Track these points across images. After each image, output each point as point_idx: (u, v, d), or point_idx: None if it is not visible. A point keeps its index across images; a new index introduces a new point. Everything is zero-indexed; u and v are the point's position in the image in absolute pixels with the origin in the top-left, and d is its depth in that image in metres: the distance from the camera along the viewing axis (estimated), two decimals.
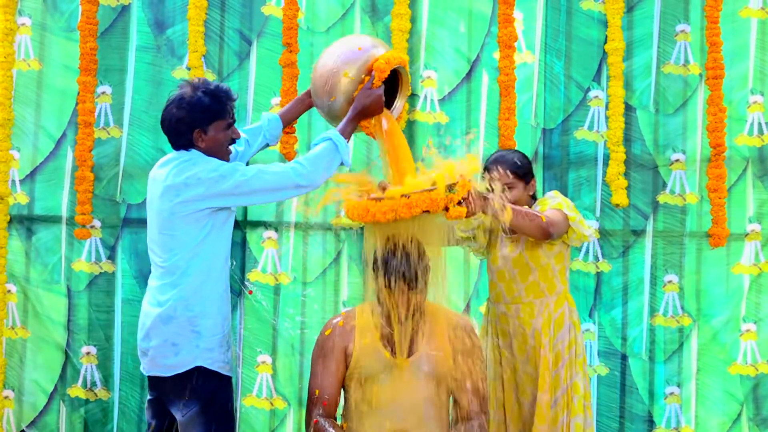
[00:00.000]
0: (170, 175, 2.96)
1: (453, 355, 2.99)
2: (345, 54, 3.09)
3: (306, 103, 3.45)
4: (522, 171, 3.36)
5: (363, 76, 3.03)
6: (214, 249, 3.01)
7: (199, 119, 2.97)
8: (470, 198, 2.94)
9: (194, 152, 3.00)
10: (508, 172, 3.33)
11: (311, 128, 3.96)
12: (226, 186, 2.94)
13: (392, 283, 2.94)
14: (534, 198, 3.46)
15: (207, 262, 2.98)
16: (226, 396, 3.07)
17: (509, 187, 3.29)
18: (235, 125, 3.13)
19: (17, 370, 3.95)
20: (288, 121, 3.46)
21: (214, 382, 3.01)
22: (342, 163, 3.04)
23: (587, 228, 3.32)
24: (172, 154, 3.04)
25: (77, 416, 3.96)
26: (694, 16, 3.99)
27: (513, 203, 3.17)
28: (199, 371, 2.97)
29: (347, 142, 3.07)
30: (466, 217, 2.98)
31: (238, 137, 3.16)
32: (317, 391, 2.97)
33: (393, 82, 3.19)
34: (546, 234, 3.18)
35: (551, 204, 3.29)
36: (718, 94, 3.90)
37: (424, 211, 2.88)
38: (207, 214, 2.96)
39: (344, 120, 3.08)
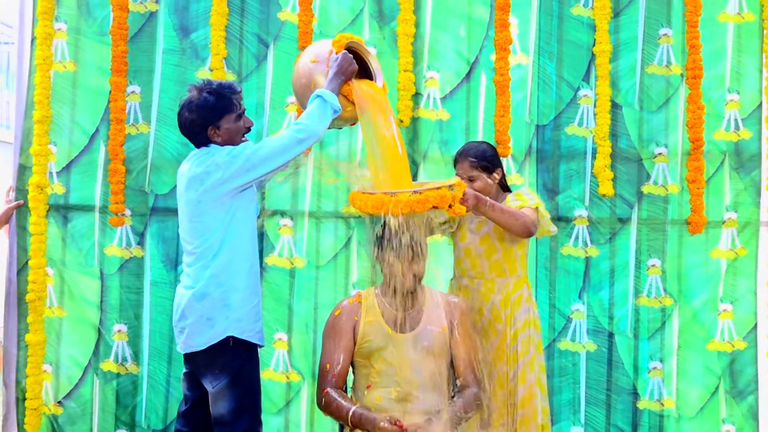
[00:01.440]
0: (192, 168, 3.08)
1: (450, 332, 3.10)
2: (306, 54, 3.23)
3: None
4: (483, 163, 3.39)
5: (327, 55, 3.13)
6: (241, 228, 3.10)
7: (210, 117, 3.08)
8: (465, 197, 3.08)
9: (213, 146, 3.11)
10: (470, 166, 3.38)
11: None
12: (240, 163, 3.02)
13: (397, 253, 3.01)
14: (505, 188, 3.48)
15: (234, 241, 3.07)
16: (253, 368, 3.16)
17: (472, 180, 3.36)
18: (251, 120, 3.16)
19: (55, 346, 4.00)
20: None
21: (243, 353, 3.10)
22: (334, 111, 3.06)
23: (551, 225, 3.42)
24: (195, 150, 3.14)
25: (109, 388, 4.01)
26: (675, 21, 3.99)
27: (479, 192, 3.21)
28: (230, 341, 3.07)
29: (334, 95, 3.06)
30: (465, 214, 3.10)
31: (251, 125, 3.20)
32: (328, 366, 3.09)
33: (364, 68, 3.27)
34: (529, 233, 3.28)
35: (529, 203, 3.34)
36: (698, 93, 3.92)
37: (433, 207, 2.96)
38: (231, 197, 3.05)
39: (326, 80, 3.10)
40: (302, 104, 3.19)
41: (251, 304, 3.16)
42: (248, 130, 3.21)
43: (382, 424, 2.90)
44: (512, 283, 3.41)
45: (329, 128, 3.25)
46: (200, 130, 3.12)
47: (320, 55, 3.17)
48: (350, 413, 2.98)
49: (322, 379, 3.10)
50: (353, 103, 3.15)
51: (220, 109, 3.11)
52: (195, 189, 3.07)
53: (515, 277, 3.41)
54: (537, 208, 3.34)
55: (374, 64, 3.31)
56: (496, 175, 3.44)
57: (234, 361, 3.10)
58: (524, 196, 3.40)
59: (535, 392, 3.35)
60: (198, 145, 3.15)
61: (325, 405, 3.06)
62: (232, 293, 3.10)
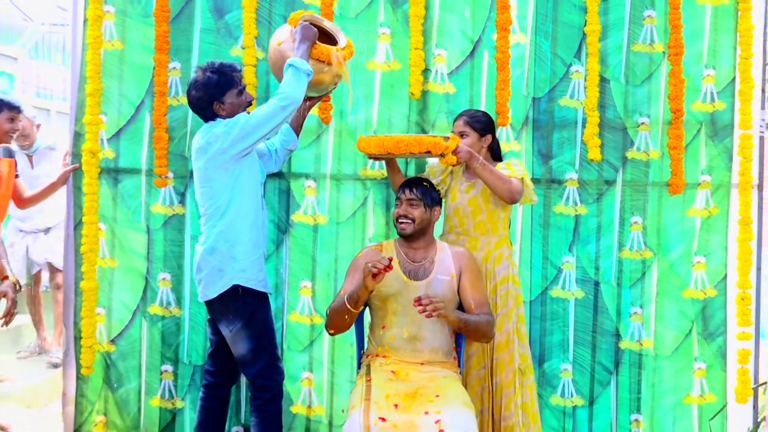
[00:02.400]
0: (198, 140, 3.28)
1: (459, 278, 3.25)
2: (272, 41, 3.38)
3: (302, 109, 3.62)
4: (477, 124, 3.51)
5: (288, 35, 3.28)
6: (244, 190, 3.27)
7: (214, 93, 3.22)
8: (459, 149, 3.25)
9: (218, 120, 3.28)
10: (464, 123, 3.52)
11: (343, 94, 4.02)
12: (235, 132, 3.19)
13: (413, 192, 3.17)
14: (496, 157, 3.61)
15: (238, 201, 3.25)
16: (264, 312, 3.36)
17: (463, 135, 3.48)
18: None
19: (107, 292, 4.15)
20: (296, 127, 3.69)
21: (252, 301, 3.27)
22: (308, 74, 3.19)
23: (534, 195, 3.53)
24: (203, 125, 3.32)
25: (156, 329, 4.15)
26: (658, 3, 4.07)
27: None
28: (238, 289, 3.24)
29: (304, 60, 3.20)
30: (456, 164, 3.29)
31: (252, 98, 3.36)
32: (342, 291, 3.23)
33: (327, 38, 3.41)
34: (513, 200, 3.41)
35: (517, 173, 3.42)
36: (679, 69, 4.01)
37: (426, 151, 3.14)
38: (234, 162, 3.22)
39: (294, 52, 3.23)
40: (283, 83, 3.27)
41: (254, 256, 3.31)
42: (249, 103, 3.36)
43: (369, 265, 2.96)
44: (494, 241, 3.53)
45: (321, 95, 3.40)
46: (206, 106, 3.30)
47: (282, 36, 3.32)
48: (345, 298, 3.09)
49: (334, 299, 3.22)
50: (328, 64, 3.27)
51: (223, 85, 3.29)
52: (201, 158, 3.27)
53: (497, 237, 3.54)
54: (523, 179, 3.45)
55: (331, 27, 3.40)
56: (487, 140, 3.55)
57: (245, 308, 3.28)
58: (513, 166, 3.52)
59: (513, 339, 3.48)
60: (206, 120, 3.32)
61: (329, 313, 3.17)
62: (237, 246, 3.26)
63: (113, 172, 4.17)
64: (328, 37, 3.42)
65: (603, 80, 4.08)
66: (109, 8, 4.14)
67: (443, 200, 3.57)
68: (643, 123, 4.11)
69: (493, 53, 4.08)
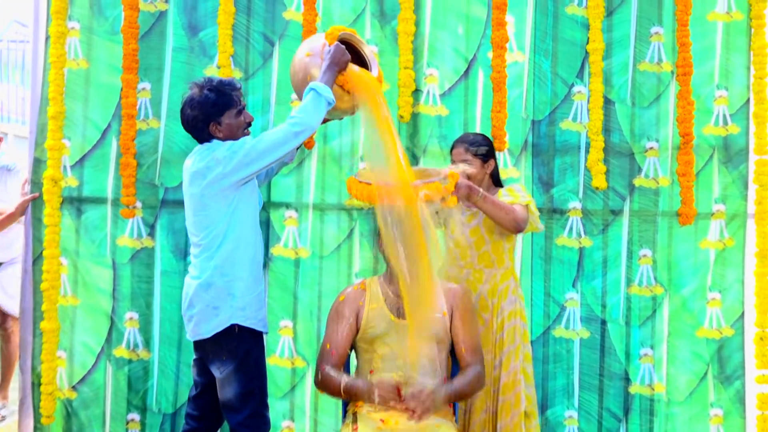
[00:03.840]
0: (195, 163, 3.10)
1: (451, 317, 3.10)
2: (302, 48, 3.22)
3: None
4: (478, 151, 3.43)
5: (321, 48, 3.12)
6: (243, 220, 3.11)
7: (211, 113, 3.11)
8: (458, 187, 3.09)
9: (215, 141, 3.13)
10: (465, 150, 3.43)
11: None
12: (239, 158, 3.02)
13: (396, 242, 2.94)
14: (496, 182, 3.52)
15: (237, 233, 3.09)
16: (258, 354, 3.19)
17: (465, 163, 3.39)
18: (257, 118, 3.13)
19: (69, 333, 3.99)
20: None
21: (248, 339, 3.12)
22: (328, 103, 3.05)
23: (539, 222, 3.45)
24: (198, 146, 3.16)
25: (121, 374, 4.01)
26: (666, 20, 4.00)
27: (468, 178, 3.25)
28: (235, 328, 3.09)
29: (328, 87, 3.04)
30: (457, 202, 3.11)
31: (251, 119, 3.20)
32: (328, 345, 3.09)
33: (361, 61, 3.26)
34: (518, 229, 3.29)
35: (521, 200, 3.34)
36: (688, 89, 3.93)
37: (425, 199, 2.92)
38: (233, 190, 3.06)
39: (320, 73, 3.09)
40: (300, 98, 3.17)
41: (254, 292, 3.17)
42: (249, 125, 3.22)
43: (376, 395, 2.95)
44: (500, 274, 3.43)
45: (330, 120, 3.26)
46: (202, 126, 3.14)
47: (314, 49, 3.16)
48: (342, 385, 2.99)
49: (321, 358, 3.10)
50: (349, 93, 3.14)
51: (221, 105, 3.13)
52: (198, 184, 3.09)
53: (503, 269, 3.44)
54: (527, 205, 3.35)
55: (368, 54, 3.30)
56: (489, 166, 3.47)
57: (240, 348, 3.13)
58: (516, 192, 3.41)
59: (519, 380, 3.36)
60: (201, 141, 3.17)
61: (321, 381, 3.07)
62: (235, 282, 3.11)
63: (76, 202, 4.06)
64: (359, 59, 3.29)
65: (607, 102, 4.01)
66: (74, 24, 4.05)
67: (442, 231, 3.52)
68: (651, 148, 4.03)
69: (488, 73, 4.00)
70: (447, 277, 3.40)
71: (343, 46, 3.14)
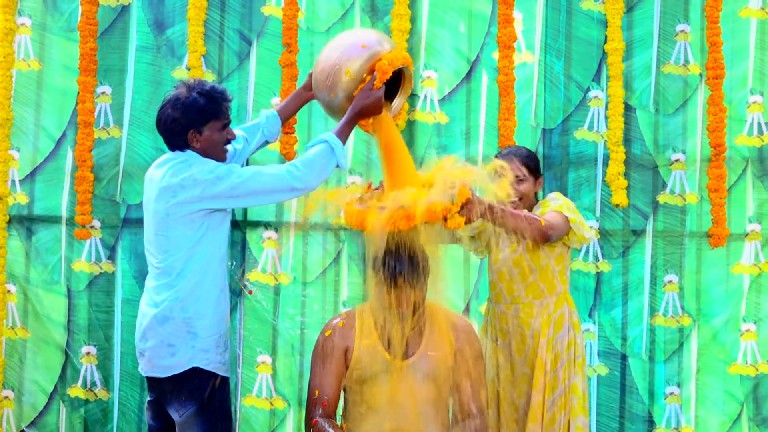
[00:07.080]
0: (166, 176, 2.95)
1: (452, 356, 2.98)
2: (348, 50, 3.03)
3: (303, 98, 3.41)
4: (534, 166, 3.36)
5: (365, 75, 2.96)
6: (210, 250, 3.00)
7: (194, 120, 2.97)
8: (469, 205, 2.93)
9: (190, 153, 2.99)
10: (521, 166, 3.32)
11: (311, 128, 3.95)
12: (222, 188, 2.92)
13: (393, 281, 2.89)
14: (537, 198, 3.44)
15: (202, 263, 2.97)
16: (222, 396, 3.06)
17: (521, 180, 3.30)
18: (232, 125, 3.08)
19: (17, 370, 3.94)
20: (286, 117, 3.45)
21: (210, 382, 3.01)
22: (338, 166, 3.02)
23: (588, 230, 3.29)
24: (168, 154, 3.03)
25: (77, 416, 3.95)
26: (694, 16, 3.99)
27: (521, 197, 3.23)
28: (195, 372, 2.97)
29: (344, 143, 3.02)
30: (465, 224, 2.96)
31: (234, 138, 3.14)
32: (317, 392, 2.96)
33: (395, 79, 3.12)
34: (545, 237, 3.17)
35: (552, 206, 3.26)
36: (719, 94, 3.89)
37: (424, 222, 2.84)
38: (202, 216, 2.95)
39: (342, 121, 3.03)
40: (316, 95, 3.08)
41: (219, 332, 3.06)
42: (228, 142, 3.12)
43: None
44: (552, 302, 3.31)
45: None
46: (180, 131, 2.98)
47: (357, 71, 2.97)
48: None
49: (310, 407, 2.98)
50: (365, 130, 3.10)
51: (208, 114, 3.00)
52: (166, 200, 2.94)
53: (554, 296, 3.31)
54: (560, 211, 3.23)
55: (406, 88, 3.17)
56: (540, 182, 3.41)
57: (202, 388, 2.99)
58: (548, 201, 3.32)
59: (579, 424, 3.28)
60: (172, 148, 3.02)
61: None
62: (198, 320, 2.99)
63: (26, 221, 3.99)
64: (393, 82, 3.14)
65: (628, 108, 3.98)
66: (25, 20, 4.00)
67: (485, 260, 3.50)
68: (677, 160, 3.99)
69: (494, 75, 3.97)
70: (494, 315, 3.34)
71: (383, 100, 3.02)
